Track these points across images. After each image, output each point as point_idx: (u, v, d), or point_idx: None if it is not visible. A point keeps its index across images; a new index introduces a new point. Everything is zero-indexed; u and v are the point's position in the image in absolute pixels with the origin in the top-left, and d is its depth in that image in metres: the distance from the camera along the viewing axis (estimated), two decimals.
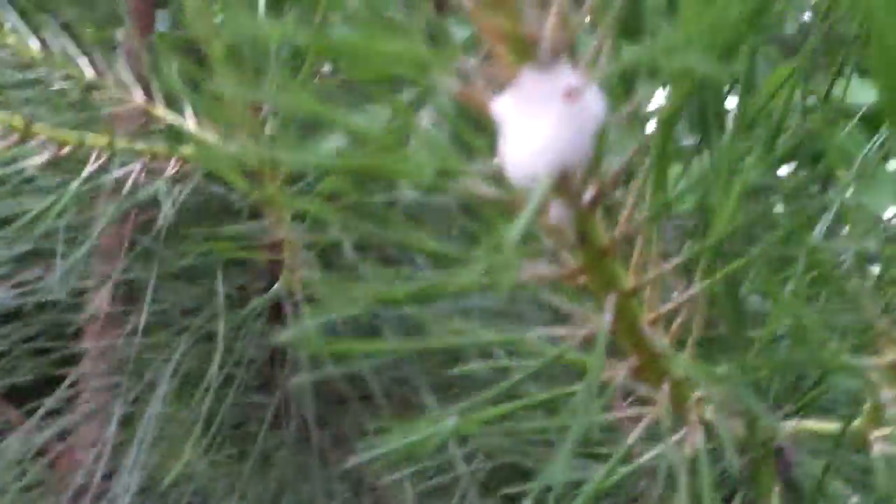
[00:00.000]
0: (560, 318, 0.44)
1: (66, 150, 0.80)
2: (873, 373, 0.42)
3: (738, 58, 0.38)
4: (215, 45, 0.62)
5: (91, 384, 1.03)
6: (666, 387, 0.44)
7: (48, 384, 1.05)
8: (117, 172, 0.79)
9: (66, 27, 0.85)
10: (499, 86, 0.33)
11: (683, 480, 0.44)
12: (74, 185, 0.77)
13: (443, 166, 0.33)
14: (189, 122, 0.80)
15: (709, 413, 0.47)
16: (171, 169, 0.81)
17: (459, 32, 0.34)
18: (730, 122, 0.46)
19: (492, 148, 0.33)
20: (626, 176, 0.39)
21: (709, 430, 0.47)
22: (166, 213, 0.77)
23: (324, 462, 0.90)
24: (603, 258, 0.37)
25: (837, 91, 0.66)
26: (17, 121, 0.79)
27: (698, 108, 0.49)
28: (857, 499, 0.50)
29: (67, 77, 0.84)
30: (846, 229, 0.52)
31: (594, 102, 0.32)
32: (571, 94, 0.31)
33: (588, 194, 0.35)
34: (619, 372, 0.41)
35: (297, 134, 0.74)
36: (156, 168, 0.80)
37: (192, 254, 0.87)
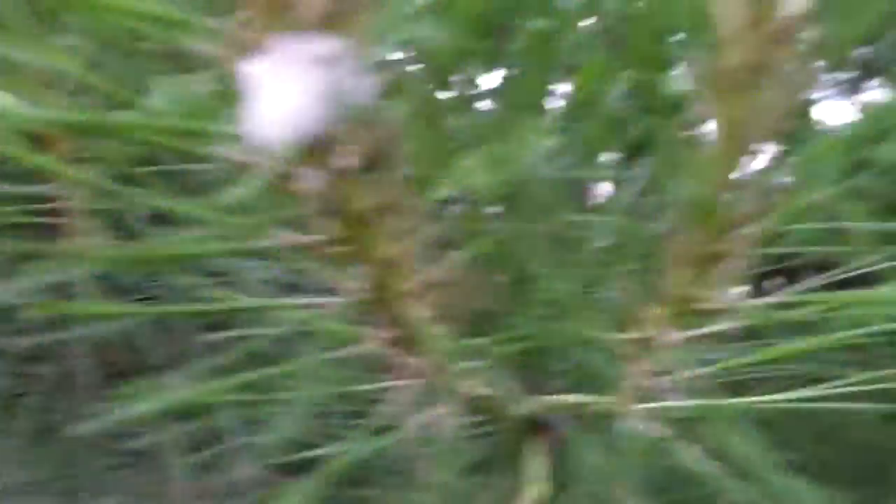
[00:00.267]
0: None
1: None
2: (626, 349, 0.44)
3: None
4: None
5: None
6: (426, 359, 0.44)
7: None
8: None
9: None
10: (251, 49, 0.32)
11: (446, 452, 0.45)
12: None
13: (190, 128, 0.33)
14: None
15: (473, 386, 0.48)
16: None
17: None
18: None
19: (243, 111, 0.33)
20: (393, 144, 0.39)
21: (473, 403, 0.49)
22: None
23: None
24: (360, 227, 0.38)
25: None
26: None
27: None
28: (618, 468, 0.52)
29: None
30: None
31: (348, 70, 0.32)
32: (324, 61, 0.31)
33: (344, 162, 0.35)
34: (376, 342, 0.41)
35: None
36: None
37: None
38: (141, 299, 0.82)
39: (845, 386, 0.43)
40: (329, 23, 0.32)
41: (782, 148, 0.36)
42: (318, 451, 0.58)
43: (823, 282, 0.62)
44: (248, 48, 0.32)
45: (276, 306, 0.40)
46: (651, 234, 0.40)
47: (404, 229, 0.40)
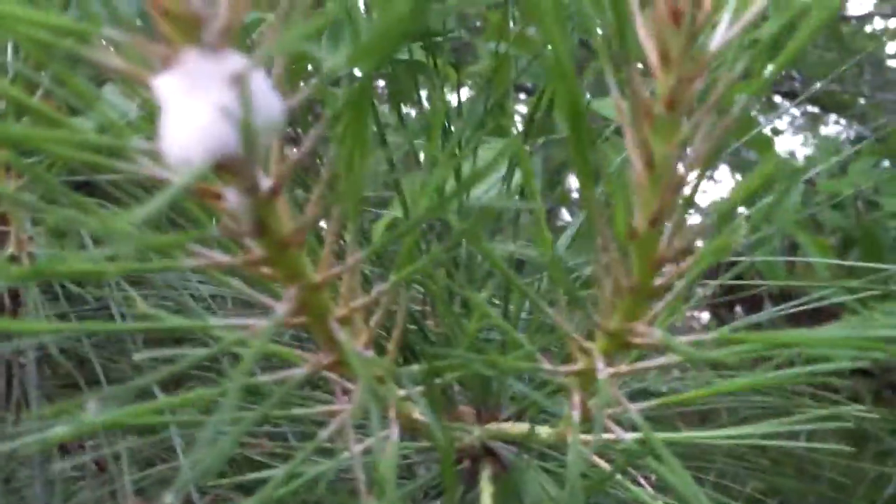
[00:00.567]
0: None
1: None
2: (566, 379, 0.43)
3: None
4: None
5: None
6: (359, 383, 0.43)
7: None
8: None
9: None
10: (162, 65, 0.31)
11: (388, 478, 0.44)
12: None
13: (105, 143, 0.31)
14: None
15: (411, 412, 0.47)
16: None
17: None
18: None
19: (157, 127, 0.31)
20: (315, 164, 0.38)
21: (412, 428, 0.47)
22: None
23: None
24: (285, 248, 0.36)
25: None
26: None
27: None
28: (557, 493, 0.51)
29: None
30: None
31: (261, 89, 0.31)
32: (235, 79, 0.30)
33: (266, 182, 0.34)
34: (310, 366, 0.40)
35: None
36: None
37: None
38: (88, 309, 0.81)
39: (793, 423, 0.42)
40: (241, 39, 0.31)
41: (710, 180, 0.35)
42: (261, 474, 0.56)
43: (781, 312, 0.61)
44: (158, 63, 0.31)
45: (210, 326, 0.38)
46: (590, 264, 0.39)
47: (330, 251, 0.39)
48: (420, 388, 0.46)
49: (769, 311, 0.59)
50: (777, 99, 2.61)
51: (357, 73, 0.35)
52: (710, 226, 0.35)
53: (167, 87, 0.30)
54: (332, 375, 0.46)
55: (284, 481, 0.43)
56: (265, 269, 0.38)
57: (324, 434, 0.44)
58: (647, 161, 0.34)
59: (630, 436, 0.41)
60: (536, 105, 0.49)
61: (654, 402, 0.43)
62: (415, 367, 0.42)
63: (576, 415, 0.40)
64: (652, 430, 0.38)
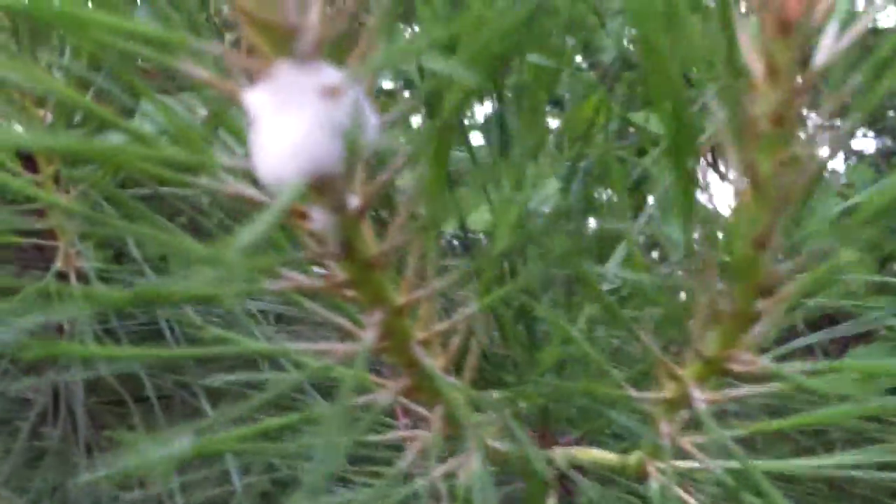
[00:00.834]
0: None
1: None
2: (652, 407, 0.41)
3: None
4: None
5: None
6: (439, 408, 0.42)
7: None
8: None
9: None
10: (254, 77, 0.30)
11: None
12: None
13: (189, 160, 0.30)
14: None
15: (487, 438, 0.45)
16: None
17: None
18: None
19: (244, 143, 0.30)
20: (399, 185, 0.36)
21: (488, 454, 0.46)
22: None
23: (92, 463, 0.84)
24: (370, 271, 0.35)
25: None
26: None
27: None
28: None
29: None
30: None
31: (356, 103, 0.29)
32: (330, 93, 0.29)
33: (354, 202, 0.33)
34: (390, 392, 0.38)
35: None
36: None
37: None
38: (141, 332, 0.80)
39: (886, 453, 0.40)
40: (333, 52, 0.30)
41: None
42: (333, 498, 0.55)
43: (827, 337, 0.59)
44: (249, 76, 0.30)
45: (286, 352, 0.37)
46: (677, 288, 0.37)
47: (416, 274, 0.38)
48: (499, 415, 0.44)
49: (821, 333, 0.57)
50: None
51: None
52: (815, 251, 0.33)
53: (259, 100, 0.29)
54: (405, 401, 0.44)
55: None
56: (348, 292, 0.36)
57: (406, 459, 0.42)
58: (752, 180, 0.33)
59: (721, 464, 0.39)
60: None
61: (745, 429, 0.41)
62: (496, 393, 0.40)
63: (666, 444, 0.39)
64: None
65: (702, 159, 0.33)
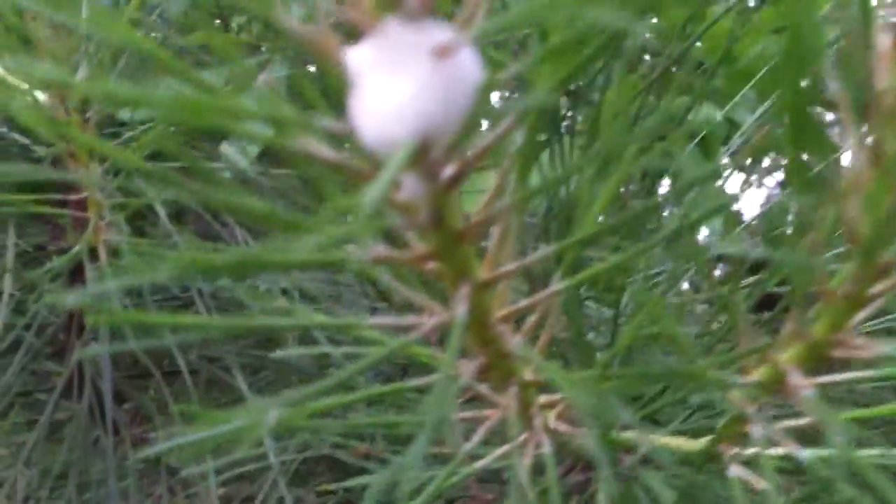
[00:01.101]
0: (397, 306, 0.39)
1: None
2: (734, 390, 0.40)
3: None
4: None
5: None
6: (513, 389, 0.40)
7: None
8: None
9: None
10: (357, 34, 0.28)
11: (526, 487, 0.41)
12: None
13: (279, 118, 0.28)
14: None
15: (552, 420, 0.44)
16: None
17: None
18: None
19: (340, 105, 0.28)
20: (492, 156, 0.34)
21: (553, 437, 0.44)
22: None
23: (119, 439, 0.83)
24: (458, 244, 0.33)
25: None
26: None
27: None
28: None
29: None
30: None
31: (468, 64, 0.27)
32: (442, 52, 0.27)
33: (448, 170, 0.31)
34: (465, 370, 0.37)
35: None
36: None
37: None
38: (170, 306, 0.78)
39: None
40: (444, 9, 0.28)
41: None
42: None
43: None
44: (352, 32, 0.28)
45: (360, 326, 0.35)
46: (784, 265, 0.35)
47: (505, 247, 0.36)
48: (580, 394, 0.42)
49: None
50: None
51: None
52: None
53: (363, 59, 0.27)
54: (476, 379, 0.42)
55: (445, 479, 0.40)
56: (431, 266, 0.34)
57: (475, 438, 0.40)
58: (876, 159, 0.31)
59: (815, 453, 0.37)
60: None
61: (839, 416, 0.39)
62: (585, 374, 0.38)
63: (757, 430, 0.37)
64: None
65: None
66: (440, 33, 0.27)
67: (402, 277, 0.38)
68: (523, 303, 0.37)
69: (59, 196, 0.73)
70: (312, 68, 0.31)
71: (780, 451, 0.39)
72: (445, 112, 0.27)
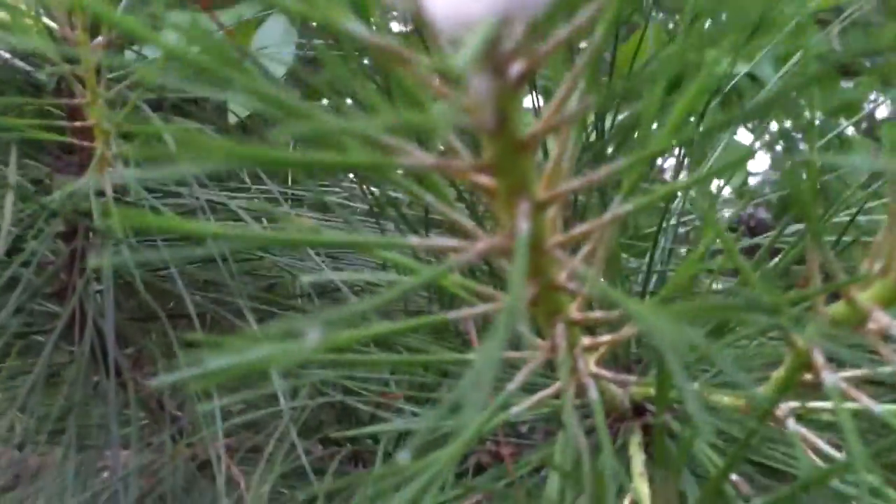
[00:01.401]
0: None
1: None
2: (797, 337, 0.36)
3: None
4: None
5: None
6: (560, 327, 0.37)
7: None
8: None
9: None
10: None
11: (575, 430, 0.38)
12: None
13: None
14: None
15: (592, 364, 0.41)
16: None
17: None
18: None
19: None
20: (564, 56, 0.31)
21: (601, 384, 0.41)
22: None
23: (121, 383, 0.79)
24: (519, 153, 0.29)
25: None
26: None
27: None
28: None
29: None
30: None
31: None
32: None
33: (516, 66, 0.27)
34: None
35: None
36: None
37: None
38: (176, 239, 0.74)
39: None
40: None
41: None
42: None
43: None
44: None
45: (405, 245, 0.32)
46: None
47: (563, 164, 0.32)
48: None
49: None
50: None
51: None
52: None
53: None
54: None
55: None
56: (486, 181, 0.31)
57: (518, 379, 0.37)
58: None
59: (883, 408, 0.34)
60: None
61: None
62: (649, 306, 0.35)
63: (830, 378, 0.34)
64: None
65: None
66: None
67: (446, 199, 0.35)
68: (580, 228, 0.34)
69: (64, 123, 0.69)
70: None
71: (853, 405, 0.36)
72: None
